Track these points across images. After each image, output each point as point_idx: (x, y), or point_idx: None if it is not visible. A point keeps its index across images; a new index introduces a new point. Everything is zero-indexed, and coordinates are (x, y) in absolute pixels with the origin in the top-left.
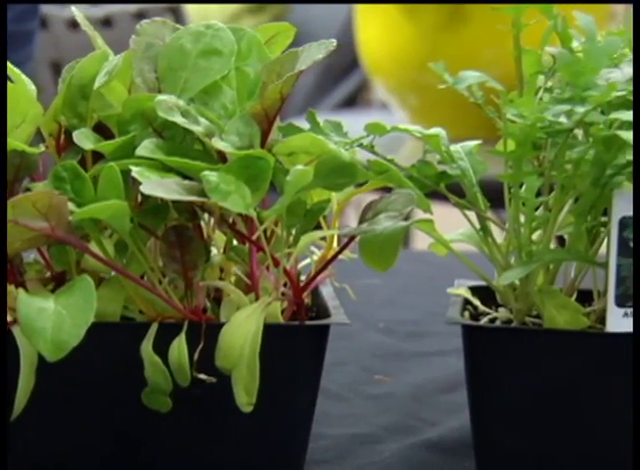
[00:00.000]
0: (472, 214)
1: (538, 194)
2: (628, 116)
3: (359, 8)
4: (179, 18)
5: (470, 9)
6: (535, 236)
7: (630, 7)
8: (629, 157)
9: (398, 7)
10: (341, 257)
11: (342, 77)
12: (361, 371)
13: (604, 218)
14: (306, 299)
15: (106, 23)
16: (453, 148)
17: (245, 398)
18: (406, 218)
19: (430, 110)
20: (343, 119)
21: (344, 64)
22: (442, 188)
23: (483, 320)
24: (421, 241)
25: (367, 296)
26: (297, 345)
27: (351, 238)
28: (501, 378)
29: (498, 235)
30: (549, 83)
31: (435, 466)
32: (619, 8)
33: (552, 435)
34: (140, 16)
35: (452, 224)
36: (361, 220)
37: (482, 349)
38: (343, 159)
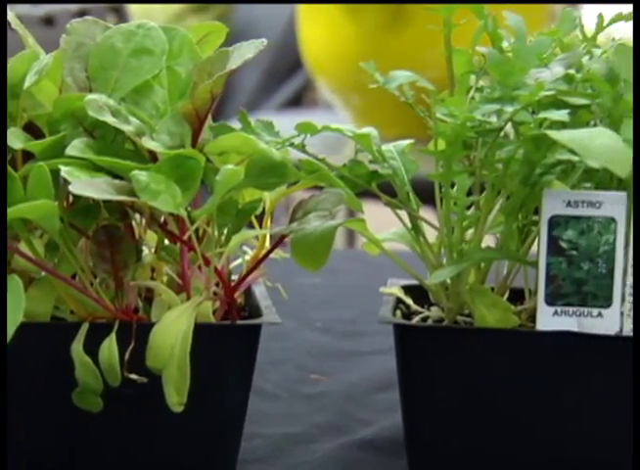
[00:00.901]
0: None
1: (469, 193)
2: (557, 115)
3: (302, 8)
4: (122, 17)
5: (412, 9)
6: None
7: (565, 7)
8: (558, 156)
9: (340, 7)
10: (274, 256)
11: (287, 77)
12: (297, 370)
13: (535, 217)
14: (239, 298)
15: (47, 21)
16: (385, 147)
17: (175, 397)
18: (334, 217)
19: (373, 109)
20: (288, 119)
21: (289, 63)
22: (374, 187)
23: (415, 319)
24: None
25: (306, 295)
26: (228, 344)
27: (282, 237)
28: (432, 377)
29: (433, 234)
30: (480, 83)
31: (368, 465)
32: (558, 8)
33: (483, 433)
34: (82, 15)
35: (394, 223)
36: (291, 220)
37: (413, 347)
38: (274, 158)
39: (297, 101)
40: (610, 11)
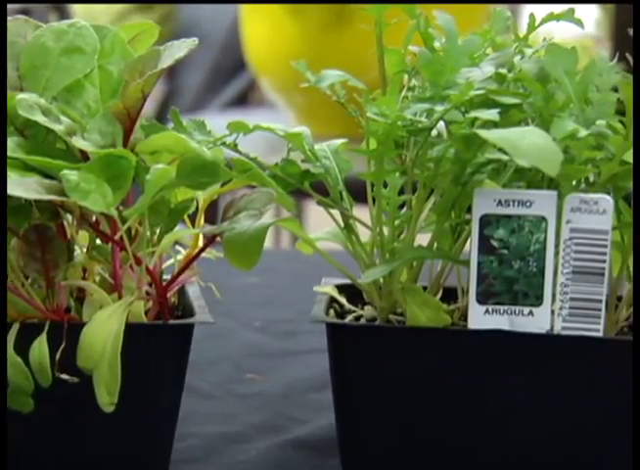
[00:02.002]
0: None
1: (402, 192)
2: (487, 114)
3: (245, 8)
4: (65, 16)
5: (354, 9)
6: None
7: (496, 7)
8: (489, 155)
9: (283, 7)
10: (208, 256)
11: (232, 77)
12: (233, 370)
13: (468, 216)
14: (172, 298)
15: None
16: (318, 146)
17: (106, 397)
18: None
19: (316, 109)
20: (233, 118)
21: (234, 63)
22: (306, 186)
23: (348, 318)
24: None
25: (245, 295)
26: (160, 344)
27: (213, 237)
28: (364, 376)
29: (367, 233)
30: (413, 82)
31: (301, 465)
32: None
33: (415, 432)
34: (24, 14)
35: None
36: (222, 219)
37: (346, 347)
38: (205, 158)
39: (243, 100)
40: (551, 10)
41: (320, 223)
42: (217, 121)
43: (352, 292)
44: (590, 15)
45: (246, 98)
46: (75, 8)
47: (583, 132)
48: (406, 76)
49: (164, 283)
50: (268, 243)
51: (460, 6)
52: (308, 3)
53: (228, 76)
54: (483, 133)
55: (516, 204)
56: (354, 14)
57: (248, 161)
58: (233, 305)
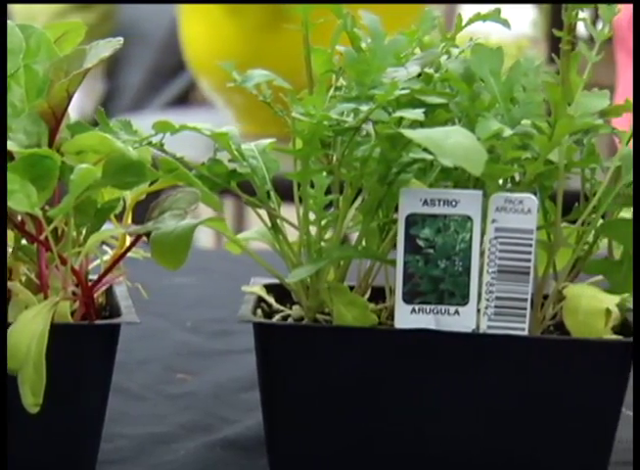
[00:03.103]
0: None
1: (329, 192)
2: (412, 114)
3: (183, 8)
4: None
5: (292, 9)
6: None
7: (425, 7)
8: (414, 155)
9: (221, 7)
10: (135, 256)
11: (173, 76)
12: (164, 370)
13: (396, 215)
14: (100, 298)
15: None
16: (246, 146)
17: (31, 398)
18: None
19: (255, 109)
20: (173, 118)
21: (174, 62)
22: (233, 186)
23: (276, 318)
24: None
25: (178, 295)
26: (85, 344)
27: (138, 237)
28: (291, 376)
29: (296, 233)
30: (341, 82)
31: (229, 464)
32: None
33: (342, 432)
34: None
35: None
36: (148, 219)
37: (272, 346)
38: (131, 157)
39: (184, 100)
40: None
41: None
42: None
43: (281, 292)
44: (527, 15)
45: (187, 97)
46: (14, 7)
47: (508, 132)
48: (334, 76)
49: (90, 283)
50: (209, 243)
51: (393, 6)
52: (246, 3)
53: (168, 76)
54: (408, 133)
55: (441, 203)
56: (291, 14)
57: (173, 160)
58: (166, 306)
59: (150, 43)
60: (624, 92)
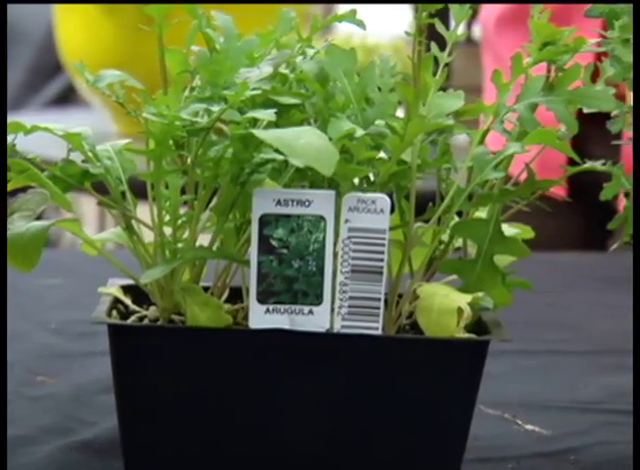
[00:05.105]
0: None
1: (184, 192)
2: (264, 114)
3: (58, 7)
4: None
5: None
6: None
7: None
8: (264, 155)
9: (97, 7)
10: None
11: (53, 76)
12: (24, 373)
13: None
14: None
15: None
16: (102, 147)
17: None
18: (39, 218)
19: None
20: (53, 118)
21: (54, 62)
22: (87, 187)
23: (131, 319)
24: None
25: (44, 296)
26: None
27: None
28: (145, 378)
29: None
30: (197, 82)
31: (83, 467)
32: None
33: (199, 434)
34: None
35: None
36: None
37: (126, 348)
38: None
39: (64, 100)
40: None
41: None
42: (36, 121)
43: (139, 293)
44: (405, 16)
45: (68, 98)
46: None
47: (360, 132)
48: (190, 77)
49: None
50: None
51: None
52: (122, 3)
53: (48, 76)
54: (259, 133)
55: (295, 203)
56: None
57: (25, 161)
58: (30, 307)
59: (29, 43)
60: (491, 95)
